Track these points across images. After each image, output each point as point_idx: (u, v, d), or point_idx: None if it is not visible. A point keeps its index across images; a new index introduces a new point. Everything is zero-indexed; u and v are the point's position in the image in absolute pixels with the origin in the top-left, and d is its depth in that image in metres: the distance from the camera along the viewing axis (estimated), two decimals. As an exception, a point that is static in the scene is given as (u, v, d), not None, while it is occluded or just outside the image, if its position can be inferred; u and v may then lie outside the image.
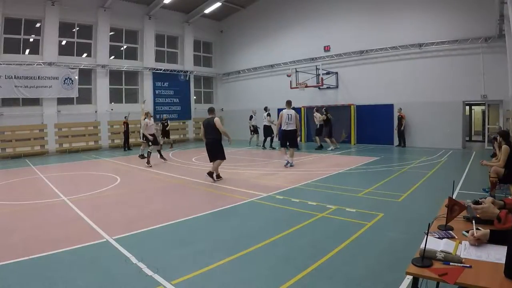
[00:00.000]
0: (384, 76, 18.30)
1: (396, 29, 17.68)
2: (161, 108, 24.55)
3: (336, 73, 20.08)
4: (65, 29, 20.67)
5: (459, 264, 1.97)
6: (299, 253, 4.47)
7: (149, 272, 4.04)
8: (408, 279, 3.38)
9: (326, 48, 20.63)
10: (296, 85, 19.49)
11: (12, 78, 18.51)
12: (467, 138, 19.64)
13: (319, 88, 19.89)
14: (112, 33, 22.42)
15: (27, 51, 19.80)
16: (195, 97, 27.20)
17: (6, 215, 7.00)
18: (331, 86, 19.94)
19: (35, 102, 19.71)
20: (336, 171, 10.54)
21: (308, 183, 8.93)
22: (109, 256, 4.61)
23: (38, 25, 19.89)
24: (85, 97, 21.41)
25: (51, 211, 7.22)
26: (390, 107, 17.98)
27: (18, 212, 7.20)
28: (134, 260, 4.41)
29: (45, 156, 18.66)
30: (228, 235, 5.30)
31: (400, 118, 17.09)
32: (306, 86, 19.22)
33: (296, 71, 19.87)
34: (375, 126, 18.54)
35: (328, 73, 19.80)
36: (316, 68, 19.21)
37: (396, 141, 17.83)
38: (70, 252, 4.76)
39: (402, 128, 17.13)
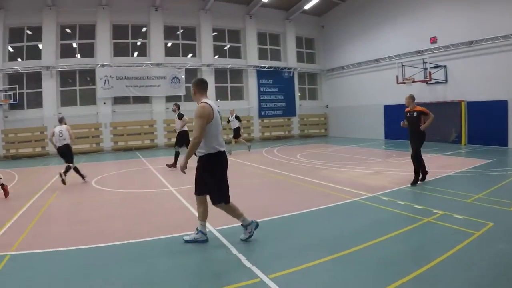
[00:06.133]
0: (497, 69, 16.32)
1: (510, 16, 15.63)
2: (266, 105, 25.29)
3: (445, 66, 18.58)
4: (169, 32, 22.53)
5: None
6: (400, 258, 4.38)
7: (248, 264, 4.24)
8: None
9: (432, 40, 19.20)
10: (403, 80, 18.69)
11: (122, 78, 20.79)
12: None
13: (426, 83, 18.78)
14: (215, 33, 23.75)
15: (135, 53, 21.98)
16: (299, 94, 27.42)
17: (116, 201, 8.10)
18: (439, 81, 18.58)
19: (144, 100, 21.75)
20: (444, 173, 9.96)
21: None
22: (210, 245, 4.98)
23: (144, 29, 21.92)
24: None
25: (158, 200, 8.03)
26: (503, 103, 16.02)
27: (127, 199, 8.25)
28: (234, 251, 4.68)
29: (154, 149, 20.43)
30: (329, 234, 5.37)
31: (418, 115, 8.81)
32: (413, 82, 18.27)
33: (402, 65, 19.00)
34: (488, 125, 16.60)
35: (436, 66, 18.46)
36: (423, 62, 18.16)
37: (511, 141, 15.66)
38: (173, 238, 5.28)
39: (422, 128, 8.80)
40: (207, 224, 5.48)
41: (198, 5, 23.10)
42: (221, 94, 24.42)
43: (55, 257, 4.81)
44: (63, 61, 20.54)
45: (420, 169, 8.71)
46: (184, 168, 4.78)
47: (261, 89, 25.25)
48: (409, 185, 8.54)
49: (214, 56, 23.96)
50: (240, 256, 4.52)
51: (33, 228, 6.23)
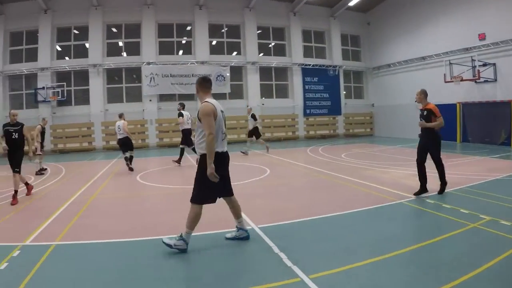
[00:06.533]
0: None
1: None
2: (311, 103, 25.24)
3: (494, 64, 17.63)
4: (214, 30, 22.96)
5: None
6: (443, 264, 4.25)
7: (288, 263, 4.26)
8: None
9: (481, 36, 18.24)
10: (451, 78, 18.10)
11: (168, 76, 21.40)
12: None
13: (475, 82, 18.05)
14: (259, 31, 23.92)
15: (181, 52, 22.54)
16: (345, 92, 27.06)
17: (159, 197, 8.47)
18: (489, 80, 17.74)
19: (189, 97, 22.06)
20: (493, 176, 9.55)
21: (461, 188, 8.33)
22: (253, 243, 5.06)
23: (188, 28, 22.38)
24: (237, 92, 23.20)
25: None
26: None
27: (170, 194, 8.58)
28: (276, 249, 4.71)
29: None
30: (371, 236, 5.31)
31: (428, 114, 7.76)
32: (462, 80, 17.67)
33: (450, 63, 18.42)
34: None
35: (484, 64, 17.64)
36: (472, 60, 17.52)
37: None
38: (214, 235, 5.44)
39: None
40: (249, 221, 5.58)
41: (242, 3, 23.36)
42: (266, 92, 24.62)
43: (98, 249, 5.11)
44: (110, 59, 21.48)
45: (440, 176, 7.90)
46: (213, 174, 4.53)
47: (306, 87, 25.15)
48: (453, 189, 8.26)
49: (259, 54, 24.17)
50: (282, 255, 4.55)
51: (78, 220, 6.59)
